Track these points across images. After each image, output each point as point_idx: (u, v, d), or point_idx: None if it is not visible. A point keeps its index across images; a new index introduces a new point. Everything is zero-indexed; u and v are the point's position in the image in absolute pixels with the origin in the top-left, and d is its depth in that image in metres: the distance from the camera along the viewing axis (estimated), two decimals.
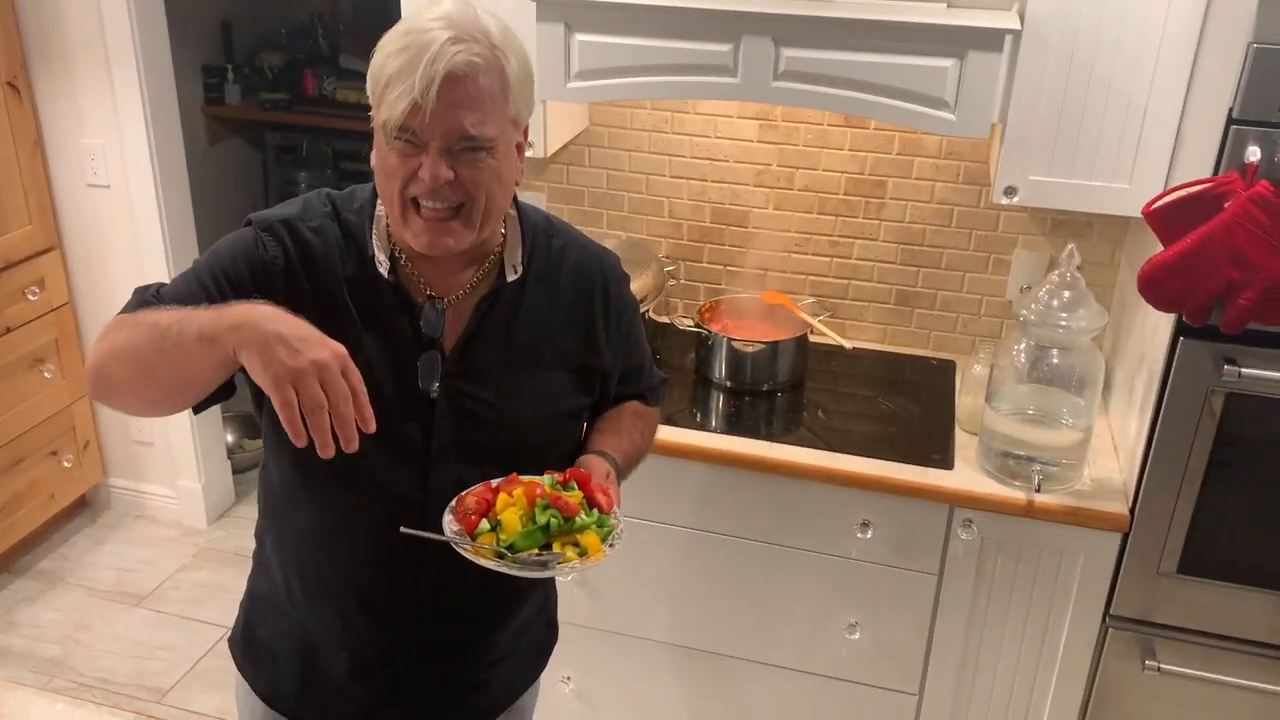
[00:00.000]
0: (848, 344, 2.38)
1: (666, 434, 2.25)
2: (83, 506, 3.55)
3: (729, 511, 2.28)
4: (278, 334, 1.09)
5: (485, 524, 1.34)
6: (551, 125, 2.43)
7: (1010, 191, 2.14)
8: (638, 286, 2.47)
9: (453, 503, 1.38)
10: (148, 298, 1.34)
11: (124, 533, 3.46)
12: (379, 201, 1.40)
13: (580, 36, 2.17)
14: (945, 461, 2.19)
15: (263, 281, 1.34)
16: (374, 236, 1.40)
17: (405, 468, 1.41)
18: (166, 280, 1.41)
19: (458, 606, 1.50)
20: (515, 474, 1.41)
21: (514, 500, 1.35)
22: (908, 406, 2.41)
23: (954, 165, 2.49)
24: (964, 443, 2.26)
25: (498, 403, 1.45)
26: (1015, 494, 2.09)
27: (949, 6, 2.06)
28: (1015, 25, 1.97)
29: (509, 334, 1.45)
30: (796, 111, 2.51)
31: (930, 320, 2.65)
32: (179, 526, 3.50)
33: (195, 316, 1.15)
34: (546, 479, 1.39)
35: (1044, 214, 2.46)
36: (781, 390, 2.47)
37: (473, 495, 1.38)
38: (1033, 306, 2.04)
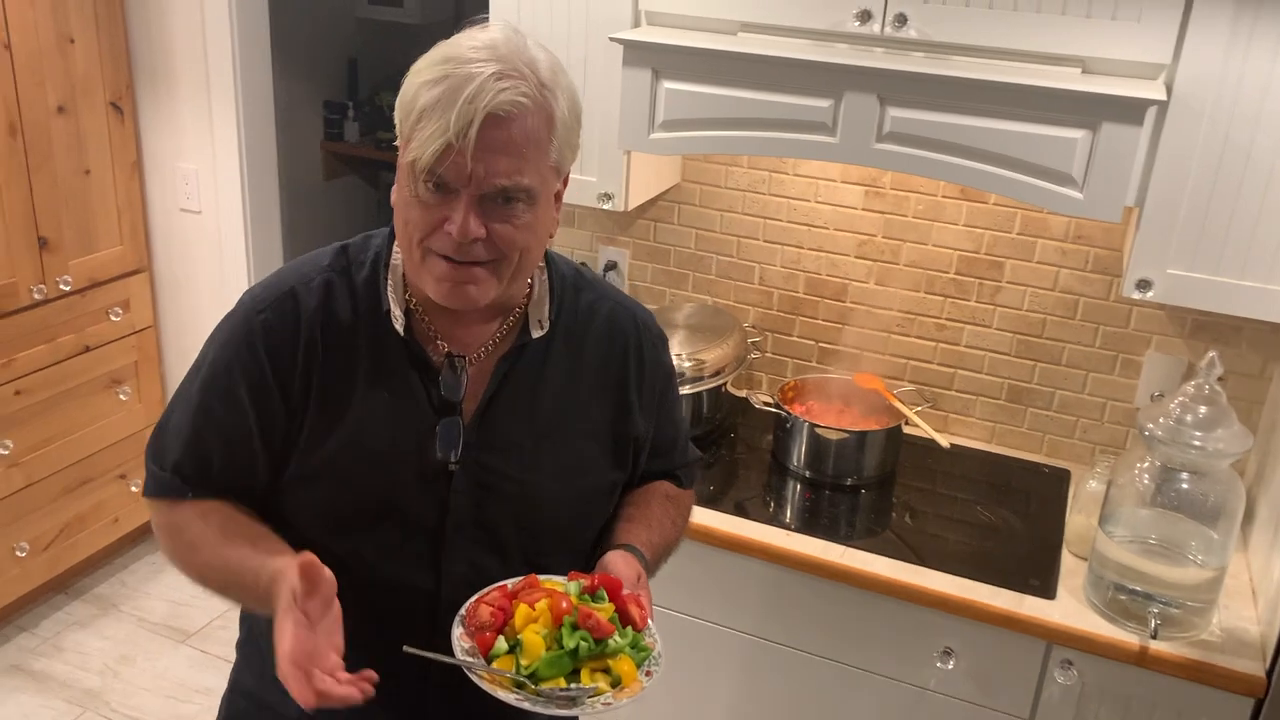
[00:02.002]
0: (945, 441, 2.11)
1: (732, 524, 2.02)
2: (148, 532, 3.50)
3: (794, 619, 2.03)
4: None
5: (503, 643, 1.16)
6: (635, 178, 2.26)
7: (1144, 285, 1.86)
8: (716, 356, 2.27)
9: (463, 612, 1.20)
10: (176, 486, 1.26)
11: None
12: (395, 245, 1.26)
13: (668, 84, 2.00)
14: (1046, 589, 1.90)
15: (270, 381, 1.23)
16: (389, 287, 1.26)
17: (415, 550, 1.26)
18: None
19: None
20: (535, 576, 1.23)
21: (537, 615, 1.16)
22: (1010, 519, 2.12)
23: (1082, 251, 2.21)
24: (1071, 568, 1.96)
25: (520, 476, 1.29)
26: (1127, 637, 1.78)
27: (1084, 72, 1.80)
28: (1160, 95, 1.71)
29: (533, 398, 1.29)
30: (907, 180, 2.28)
31: (1045, 422, 2.35)
32: None
33: (256, 582, 1.13)
34: (572, 586, 1.20)
35: (1183, 313, 2.15)
36: (866, 486, 2.21)
37: (486, 605, 1.20)
38: (1161, 420, 1.75)
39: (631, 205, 2.28)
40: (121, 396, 3.16)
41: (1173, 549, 1.79)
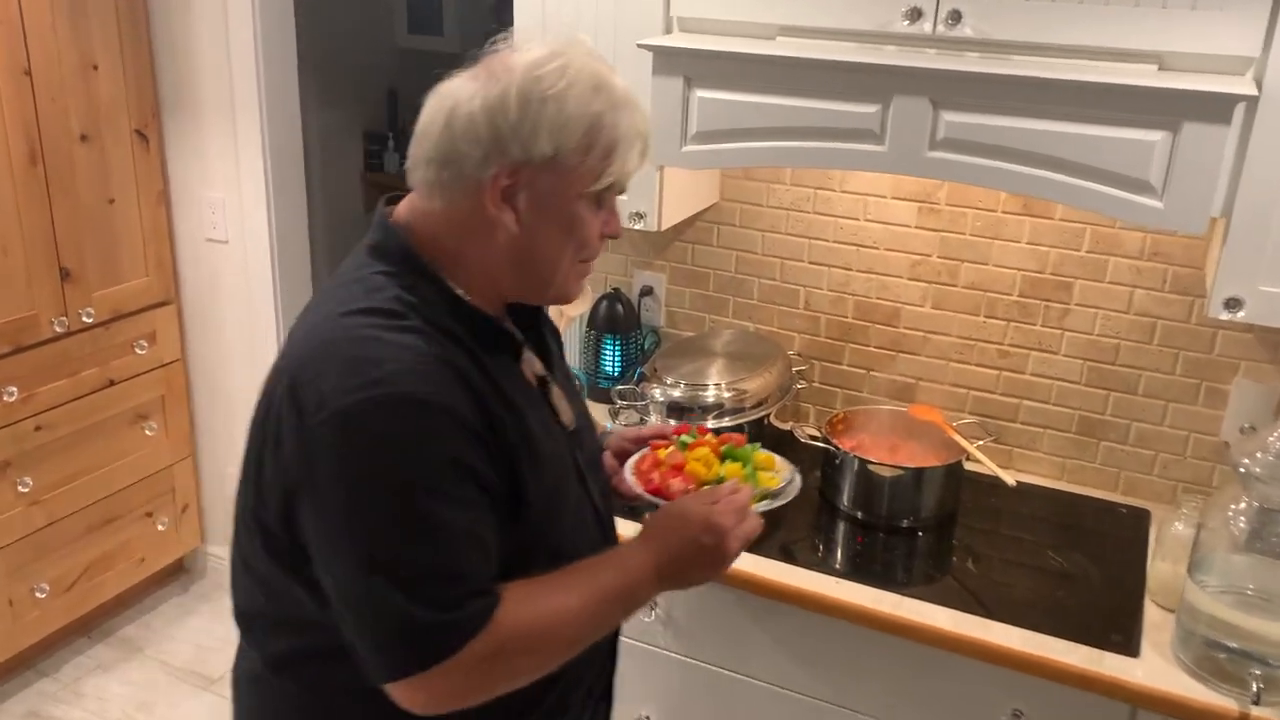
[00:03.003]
0: (1010, 479, 1.92)
1: (776, 570, 1.85)
2: (179, 572, 3.39)
3: (844, 676, 1.84)
4: (697, 567, 1.24)
5: (720, 470, 1.43)
6: (670, 196, 2.11)
7: (1233, 305, 1.66)
8: (758, 385, 2.12)
9: (631, 477, 1.44)
10: (479, 611, 1.09)
11: (214, 605, 3.28)
12: (445, 281, 1.18)
13: (701, 93, 1.85)
14: (1129, 646, 1.69)
15: (482, 451, 1.11)
16: (482, 313, 1.19)
17: (596, 531, 1.33)
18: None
19: None
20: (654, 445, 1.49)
21: (703, 456, 1.45)
22: (1084, 565, 1.92)
23: (1159, 269, 2.02)
24: (1156, 622, 1.75)
25: (591, 439, 1.42)
26: (1224, 701, 1.57)
27: (1160, 69, 1.62)
28: (1250, 91, 1.52)
29: (554, 372, 1.36)
30: (964, 194, 2.10)
31: (1121, 457, 2.15)
32: None
33: (629, 588, 1.20)
34: (685, 438, 1.49)
35: (1275, 336, 1.95)
36: (924, 528, 2.02)
37: (652, 466, 1.45)
38: (1259, 456, 1.54)
39: (666, 225, 2.13)
40: (148, 432, 3.07)
41: (1275, 601, 1.58)
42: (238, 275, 3.00)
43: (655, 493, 1.40)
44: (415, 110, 1.17)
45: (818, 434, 2.10)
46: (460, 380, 1.08)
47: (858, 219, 2.23)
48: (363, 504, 1.05)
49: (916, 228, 2.18)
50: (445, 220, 1.16)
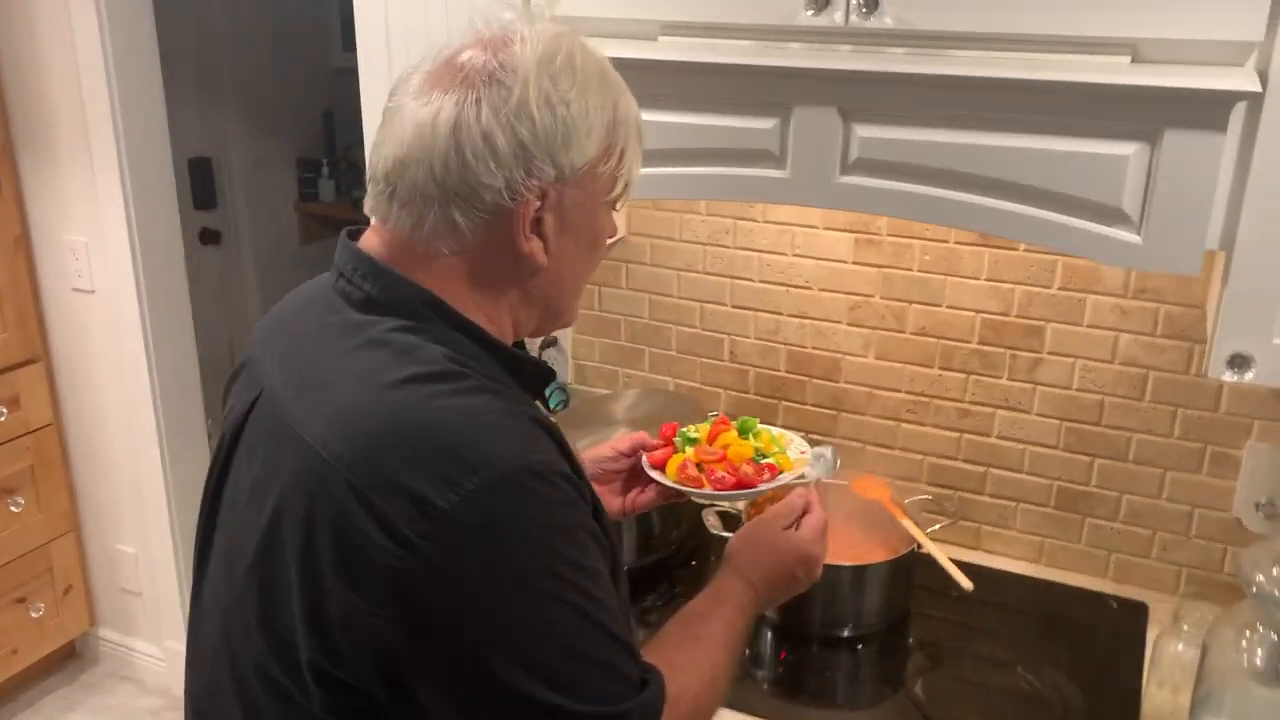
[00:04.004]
0: (966, 583, 1.54)
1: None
2: (68, 659, 3.04)
3: None
4: (786, 595, 1.23)
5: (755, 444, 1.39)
6: None
7: (1239, 364, 1.28)
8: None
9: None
10: (655, 694, 0.95)
11: (102, 698, 2.91)
12: (477, 325, 0.98)
13: None
14: None
15: (596, 520, 0.97)
16: (527, 356, 1.03)
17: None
18: None
19: None
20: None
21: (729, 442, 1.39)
22: (1063, 687, 1.53)
23: (1148, 309, 1.64)
24: None
25: None
26: None
27: (1134, 61, 1.25)
28: (1251, 86, 1.14)
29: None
30: (908, 222, 1.72)
31: (1110, 537, 1.76)
32: (166, 696, 2.92)
33: (744, 628, 1.14)
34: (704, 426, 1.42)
35: None
36: (867, 639, 1.64)
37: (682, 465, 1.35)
38: (1276, 573, 1.16)
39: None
40: (13, 509, 2.71)
41: None
42: (107, 328, 2.65)
43: (718, 485, 1.33)
44: (354, 131, 0.91)
45: (716, 522, 1.69)
46: (549, 436, 0.94)
47: (785, 254, 1.86)
48: (521, 614, 0.87)
49: (854, 263, 1.81)
50: (456, 263, 0.96)
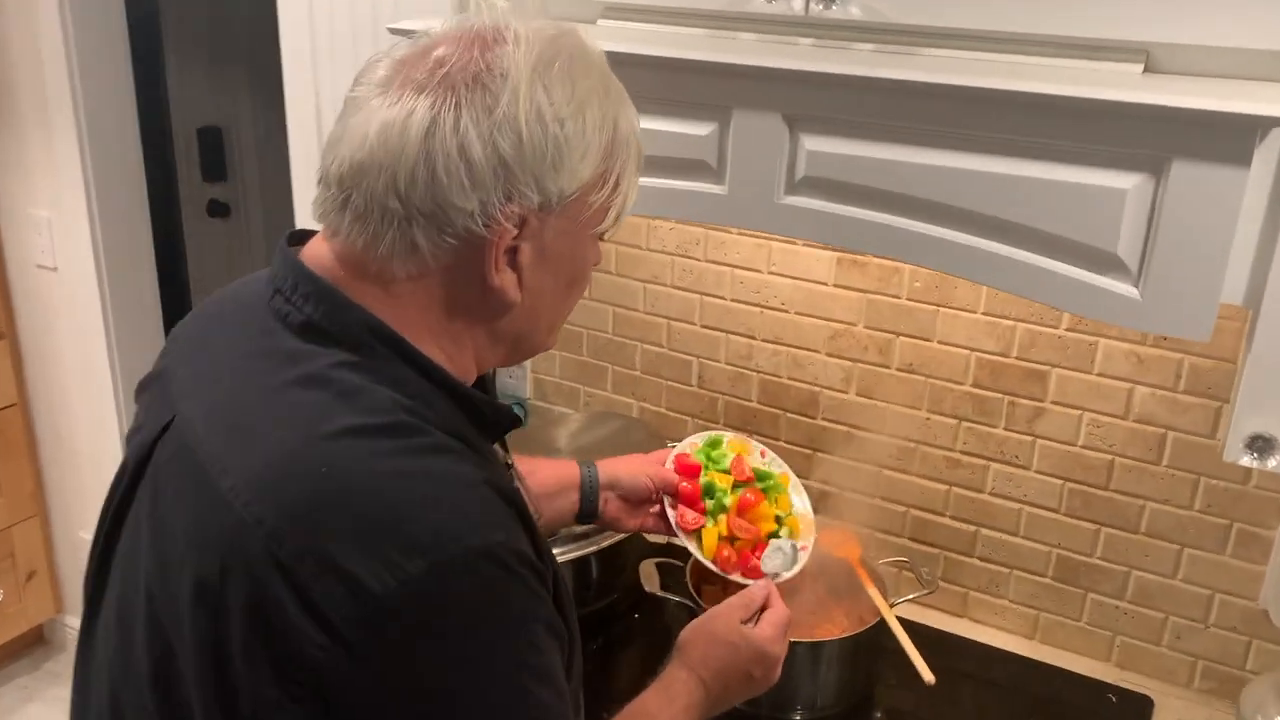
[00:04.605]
0: (928, 675, 1.32)
1: None
2: (37, 644, 2.94)
3: None
4: (741, 695, 1.13)
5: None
6: None
7: (1262, 447, 1.04)
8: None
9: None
10: None
11: (60, 689, 2.81)
12: (435, 363, 0.83)
13: None
14: None
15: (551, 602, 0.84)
16: (491, 403, 0.88)
17: None
18: None
19: None
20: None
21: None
22: None
23: (1169, 359, 1.39)
24: None
25: None
26: None
27: (1147, 71, 1.01)
28: None
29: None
30: None
31: (1115, 617, 1.52)
32: None
33: (691, 690, 1.08)
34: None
35: None
36: None
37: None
38: None
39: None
40: None
41: None
42: (70, 307, 2.52)
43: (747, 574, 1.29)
44: None
45: (655, 586, 1.46)
46: (511, 508, 0.81)
47: (760, 270, 1.64)
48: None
49: (835, 286, 1.58)
50: (414, 289, 0.82)
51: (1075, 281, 1.00)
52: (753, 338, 1.68)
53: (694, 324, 1.73)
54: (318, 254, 0.84)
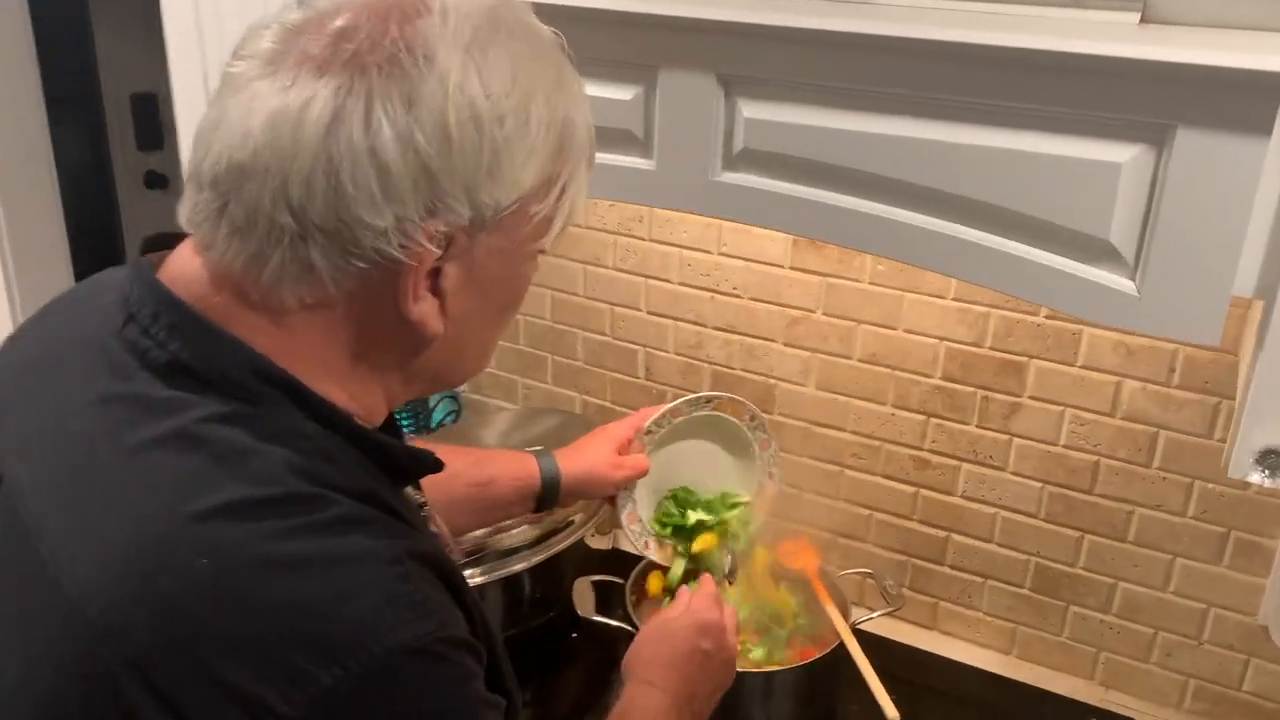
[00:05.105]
0: (892, 711, 1.17)
1: None
2: None
3: None
4: (710, 681, 1.04)
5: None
6: None
7: (1276, 464, 0.89)
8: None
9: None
10: None
11: None
12: (333, 406, 0.68)
13: None
14: None
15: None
16: (400, 446, 0.73)
17: None
18: None
19: None
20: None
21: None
22: None
23: (1162, 351, 1.25)
24: None
25: None
26: None
27: (1144, 21, 0.85)
28: None
29: None
30: None
31: (1100, 632, 1.39)
32: None
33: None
34: None
35: None
36: None
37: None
38: None
39: None
40: None
41: None
42: None
43: None
44: None
45: (591, 613, 1.31)
46: (441, 577, 0.67)
47: (710, 251, 1.48)
48: None
49: (792, 269, 1.43)
50: (309, 320, 0.67)
51: (1059, 273, 0.85)
52: (703, 325, 1.52)
53: (639, 310, 1.57)
54: (186, 271, 0.67)
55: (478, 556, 1.37)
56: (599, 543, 1.54)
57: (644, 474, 1.23)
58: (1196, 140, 0.77)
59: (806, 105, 0.91)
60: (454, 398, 1.78)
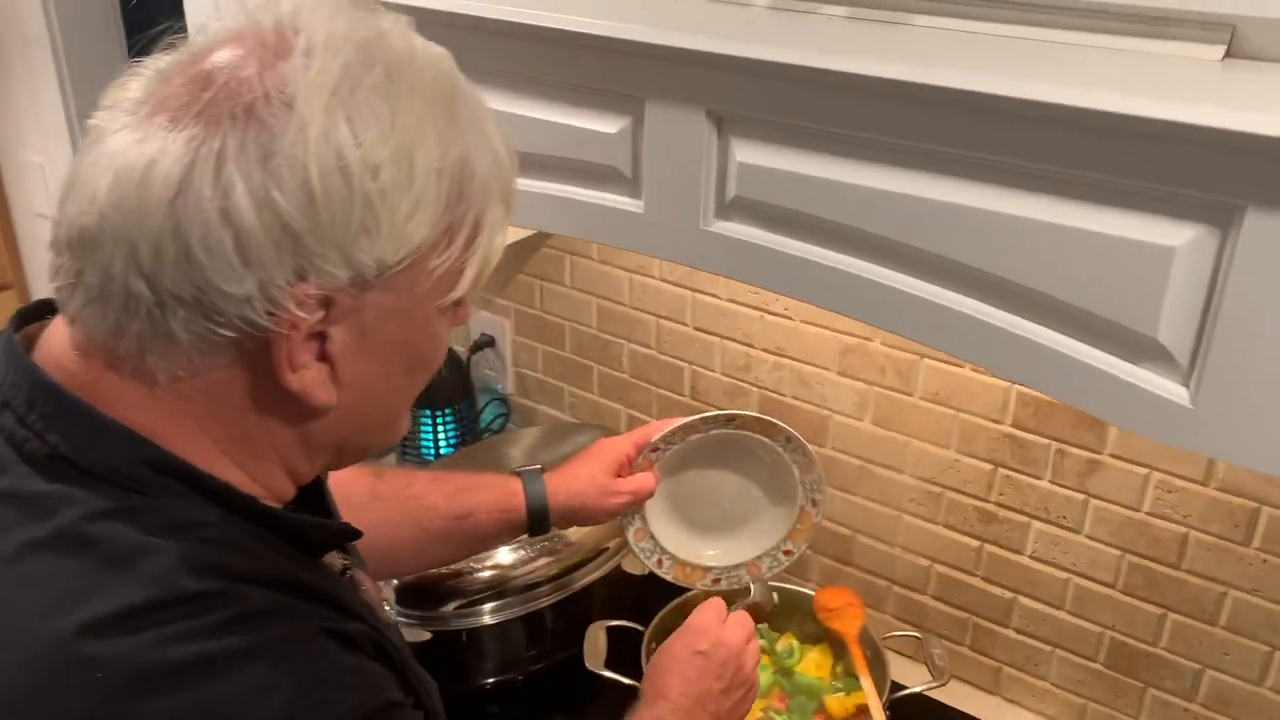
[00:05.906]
0: None
1: None
2: None
3: None
4: (724, 694, 0.98)
5: None
6: None
7: None
8: (580, 537, 1.32)
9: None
10: None
11: None
12: (236, 489, 0.63)
13: None
14: None
15: None
16: (311, 521, 0.68)
17: None
18: None
19: None
20: None
21: None
22: None
23: None
24: None
25: None
26: None
27: (1229, 56, 0.68)
28: None
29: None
30: None
31: (1180, 719, 1.22)
32: None
33: None
34: None
35: None
36: None
37: None
38: None
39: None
40: None
41: None
42: None
43: None
44: None
45: (644, 648, 1.22)
46: (361, 643, 0.64)
47: None
48: None
49: None
50: (184, 393, 0.61)
51: (1097, 371, 0.69)
52: (750, 346, 1.39)
53: (685, 324, 1.45)
54: (56, 350, 0.62)
55: (498, 590, 1.30)
56: (634, 565, 1.44)
57: (648, 495, 1.12)
58: (1270, 224, 0.61)
59: (809, 152, 0.77)
60: (503, 400, 1.70)
